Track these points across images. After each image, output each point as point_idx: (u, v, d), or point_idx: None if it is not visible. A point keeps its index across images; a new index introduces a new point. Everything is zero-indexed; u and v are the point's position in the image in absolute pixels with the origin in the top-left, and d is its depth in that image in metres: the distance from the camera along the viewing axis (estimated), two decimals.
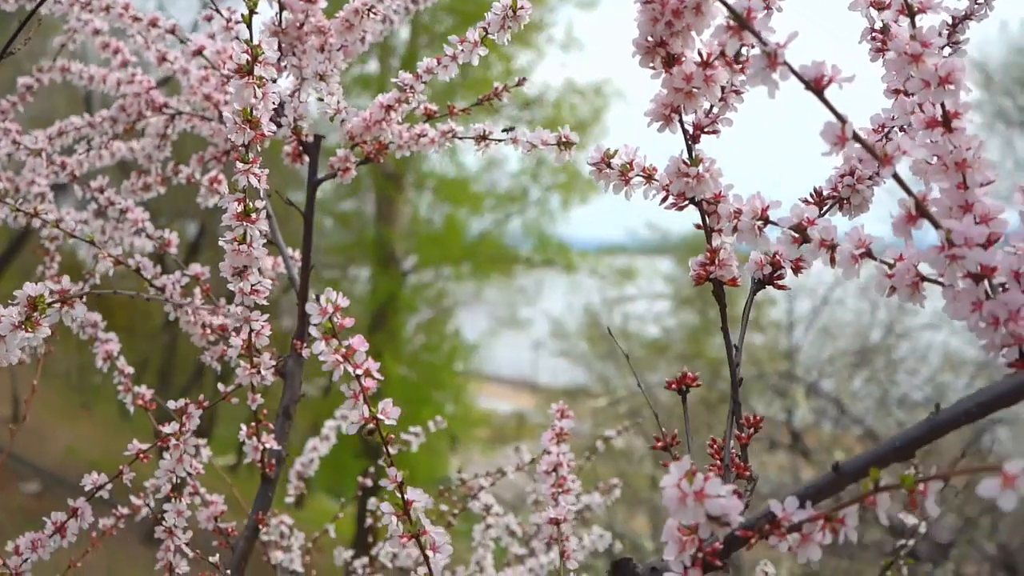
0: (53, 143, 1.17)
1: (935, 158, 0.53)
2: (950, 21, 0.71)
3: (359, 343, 0.62)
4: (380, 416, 0.62)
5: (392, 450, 0.64)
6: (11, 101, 1.31)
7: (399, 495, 0.64)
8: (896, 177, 0.51)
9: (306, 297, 1.00)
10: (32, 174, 1.23)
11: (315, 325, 0.60)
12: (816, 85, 0.50)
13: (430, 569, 0.64)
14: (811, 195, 0.69)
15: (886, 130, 0.68)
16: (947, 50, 0.70)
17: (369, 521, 1.41)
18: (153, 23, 1.09)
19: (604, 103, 12.57)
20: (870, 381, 6.55)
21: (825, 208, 0.68)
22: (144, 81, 1.18)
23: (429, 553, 0.64)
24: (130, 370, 1.09)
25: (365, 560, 1.35)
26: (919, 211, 0.51)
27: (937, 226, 0.51)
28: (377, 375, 0.62)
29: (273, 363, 0.89)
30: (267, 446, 0.96)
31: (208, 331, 1.01)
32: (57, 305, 0.66)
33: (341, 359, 0.61)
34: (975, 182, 0.53)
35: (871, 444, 7.00)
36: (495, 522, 1.30)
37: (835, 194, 0.68)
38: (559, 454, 0.96)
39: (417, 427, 1.39)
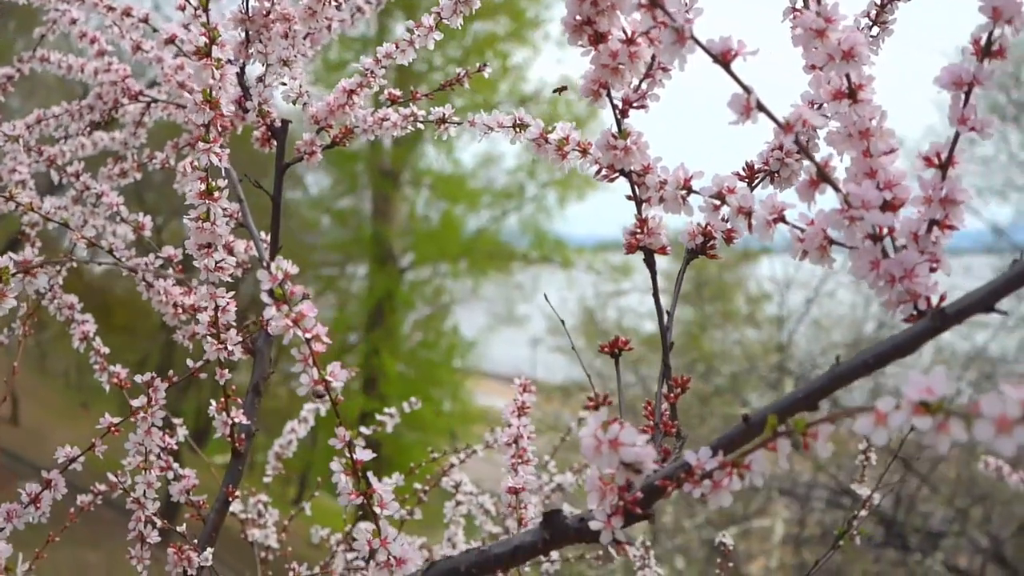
0: (31, 131, 1.20)
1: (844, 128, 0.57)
2: (879, 2, 0.74)
3: (308, 309, 0.65)
4: (329, 378, 0.66)
5: (337, 411, 0.67)
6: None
7: (348, 454, 0.67)
8: (799, 144, 0.54)
9: None
10: (13, 162, 1.26)
11: (266, 291, 0.63)
12: (723, 59, 0.53)
13: (378, 526, 0.67)
14: (743, 168, 0.72)
15: (815, 106, 0.71)
16: (875, 29, 0.74)
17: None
18: (127, 12, 1.12)
19: (592, 109, 12.49)
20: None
21: (757, 180, 0.71)
22: (120, 69, 1.21)
23: (377, 509, 0.67)
24: (106, 350, 1.12)
25: (339, 536, 1.39)
26: (821, 176, 0.54)
27: (837, 190, 0.54)
28: (326, 339, 0.65)
29: (240, 339, 0.93)
30: (236, 421, 0.99)
31: (179, 310, 1.04)
32: (20, 275, 0.69)
33: (291, 323, 0.64)
34: (879, 150, 0.56)
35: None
36: (465, 499, 1.33)
37: (766, 167, 0.71)
38: (519, 427, 0.99)
39: (392, 408, 1.42)
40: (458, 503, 1.32)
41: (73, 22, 1.22)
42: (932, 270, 0.54)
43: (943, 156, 0.55)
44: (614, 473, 0.55)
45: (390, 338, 11.77)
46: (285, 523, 1.34)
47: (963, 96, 0.54)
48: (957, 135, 0.55)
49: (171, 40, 1.09)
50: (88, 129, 1.22)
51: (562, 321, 1.02)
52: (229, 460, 1.03)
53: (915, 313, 0.53)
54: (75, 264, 0.96)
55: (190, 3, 0.82)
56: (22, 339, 1.23)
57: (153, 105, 1.22)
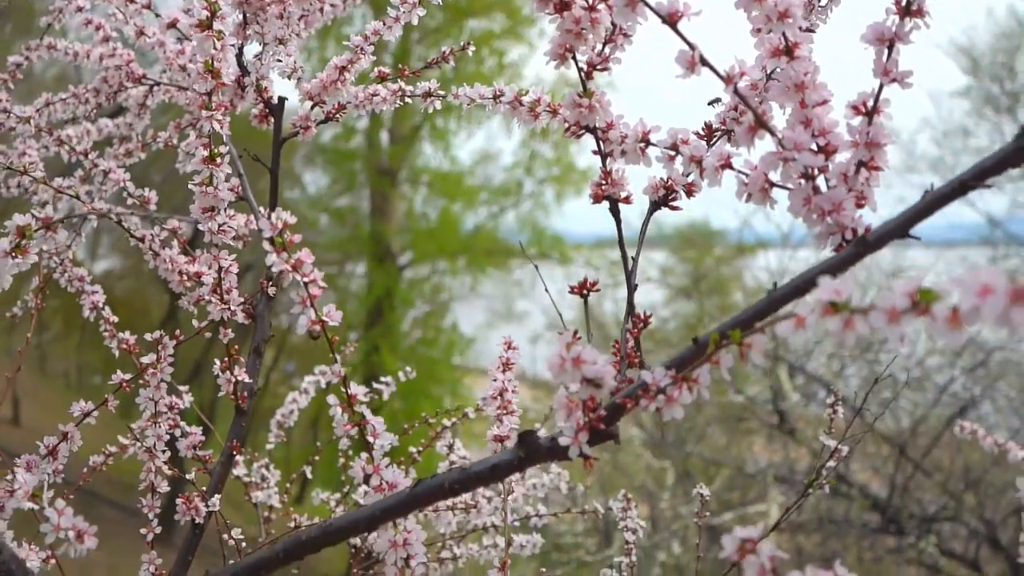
0: (40, 113, 1.26)
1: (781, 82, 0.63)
2: None
3: (306, 256, 0.72)
4: (325, 318, 0.72)
5: (335, 351, 0.74)
6: (2, 78, 1.41)
7: (343, 389, 0.74)
8: (738, 94, 0.61)
9: None
10: (23, 145, 1.33)
11: (267, 239, 0.70)
12: (671, 19, 0.60)
13: (371, 455, 0.74)
14: (702, 128, 0.78)
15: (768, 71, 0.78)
16: (823, 1, 0.80)
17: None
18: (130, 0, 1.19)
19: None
20: (856, 361, 6.67)
21: (715, 139, 0.78)
22: (124, 54, 1.27)
23: (370, 439, 0.74)
24: (115, 319, 1.19)
25: (338, 496, 1.45)
26: (759, 123, 0.61)
27: (773, 135, 0.61)
28: (322, 284, 0.72)
29: (241, 299, 0.99)
30: (239, 379, 1.06)
31: (185, 278, 1.11)
32: (42, 231, 0.76)
33: (291, 269, 0.71)
34: (813, 101, 0.62)
35: (857, 422, 7.11)
36: (459, 461, 1.40)
37: (723, 127, 0.78)
38: (504, 381, 1.06)
39: (388, 377, 1.49)
40: (451, 464, 1.39)
41: (79, 10, 1.29)
42: (859, 206, 0.61)
43: (869, 105, 0.61)
44: (579, 391, 0.61)
45: (389, 336, 11.82)
46: (287, 485, 1.41)
47: (886, 51, 0.61)
48: (881, 85, 0.61)
49: (173, 24, 1.16)
50: (94, 112, 1.28)
51: (560, 315, 1.09)
52: (233, 417, 1.09)
53: (842, 243, 0.60)
54: (93, 220, 1.02)
55: None
56: (34, 311, 1.29)
57: (156, 88, 1.29)
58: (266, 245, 0.71)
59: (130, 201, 1.12)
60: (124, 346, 1.14)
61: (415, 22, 0.98)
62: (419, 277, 13.93)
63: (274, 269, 0.70)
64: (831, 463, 1.16)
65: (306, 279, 0.71)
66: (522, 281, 13.57)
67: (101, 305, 1.20)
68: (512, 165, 13.75)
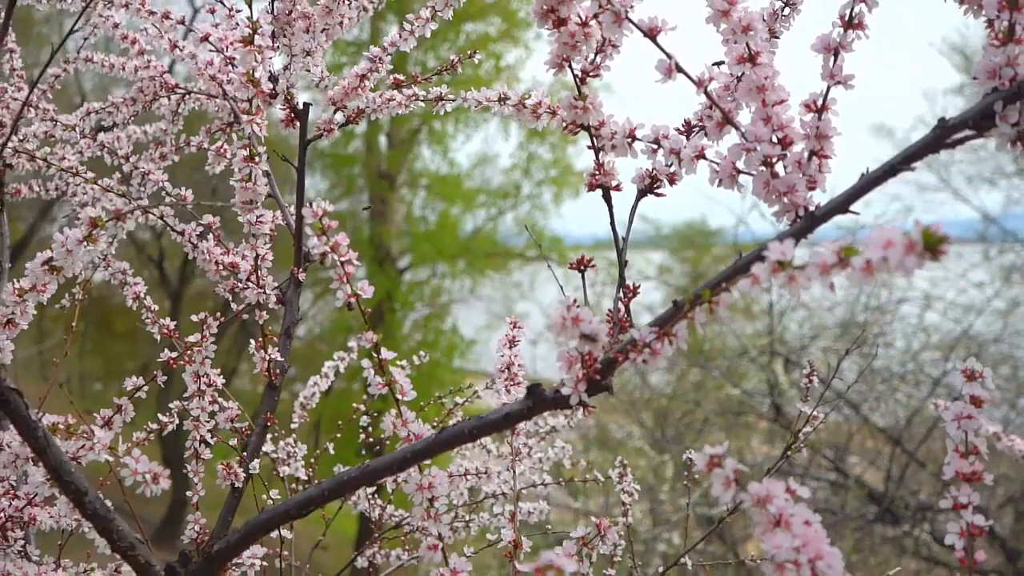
0: (84, 121, 1.38)
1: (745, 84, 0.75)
2: None
3: (343, 238, 0.83)
4: (359, 292, 0.84)
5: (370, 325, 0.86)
6: (42, 89, 1.53)
7: (375, 355, 0.86)
8: (707, 95, 0.73)
9: (301, 236, 1.22)
10: (62, 150, 1.44)
11: (309, 224, 0.82)
12: (651, 33, 0.72)
13: (399, 410, 0.86)
14: (682, 124, 0.90)
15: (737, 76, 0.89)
16: (787, 10, 0.92)
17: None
18: (166, 16, 1.30)
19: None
20: (851, 355, 6.78)
21: (693, 133, 0.90)
22: (158, 66, 1.39)
23: (399, 396, 0.85)
24: (155, 307, 1.31)
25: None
26: (725, 120, 0.73)
27: (738, 129, 0.72)
28: (356, 262, 0.83)
29: (276, 284, 1.11)
30: (272, 358, 1.17)
31: (220, 267, 1.22)
32: (113, 221, 0.87)
33: (330, 250, 0.82)
34: (772, 100, 0.74)
35: (855, 416, 7.25)
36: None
37: (700, 123, 0.89)
38: (511, 356, 1.18)
39: (404, 362, 1.59)
40: None
41: (116, 26, 1.41)
42: (811, 188, 0.72)
43: (819, 104, 0.73)
44: (578, 346, 0.73)
45: (390, 338, 11.91)
46: (312, 460, 1.52)
47: (832, 57, 0.73)
48: (828, 87, 0.73)
49: (205, 39, 1.28)
50: (131, 120, 1.40)
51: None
52: (265, 391, 1.21)
53: (796, 218, 0.71)
54: (146, 214, 1.13)
55: (223, 3, 1.00)
56: (78, 303, 1.41)
57: (187, 96, 1.41)
58: (308, 230, 0.82)
59: (168, 200, 1.24)
60: (164, 331, 1.26)
61: (428, 35, 1.10)
62: (419, 280, 14.04)
63: (315, 251, 0.82)
64: (807, 428, 1.27)
65: (342, 259, 0.83)
66: (521, 283, 13.69)
67: (143, 295, 1.32)
68: (510, 167, 13.85)
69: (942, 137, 0.66)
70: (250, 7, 0.96)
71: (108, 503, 0.83)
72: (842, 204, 0.68)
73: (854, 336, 7.10)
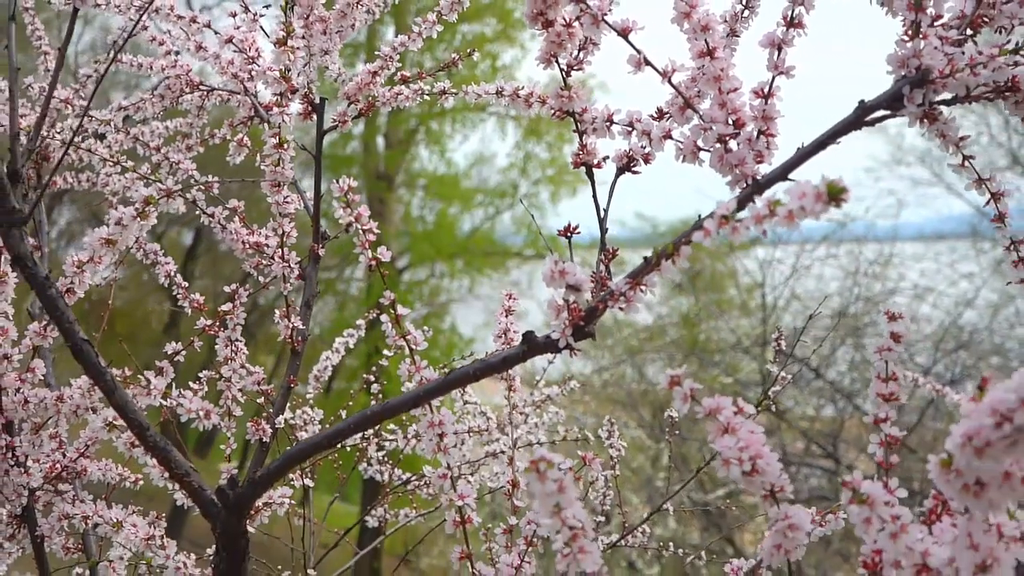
0: (116, 115, 1.52)
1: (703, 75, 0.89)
2: None
3: (364, 210, 0.97)
4: (379, 256, 0.98)
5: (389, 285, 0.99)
6: (73, 88, 1.66)
7: (392, 311, 0.99)
8: (671, 84, 0.86)
9: (319, 218, 1.35)
10: (96, 144, 1.58)
11: (336, 198, 0.95)
12: (624, 32, 0.85)
13: (413, 358, 0.99)
14: (656, 110, 1.04)
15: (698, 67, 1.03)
16: (746, 12, 1.05)
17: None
18: (193, 20, 1.44)
19: (588, 95, 12.81)
20: (844, 345, 6.95)
21: (664, 118, 1.03)
22: (184, 65, 1.52)
23: (413, 346, 0.99)
24: (185, 284, 1.44)
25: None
26: (687, 105, 0.87)
27: (696, 112, 0.86)
28: (376, 231, 0.97)
29: (299, 259, 1.25)
30: (295, 326, 1.31)
31: (246, 246, 1.36)
32: (164, 199, 1.01)
33: (354, 220, 0.96)
34: (727, 88, 0.88)
35: (845, 403, 7.41)
36: (471, 407, 1.66)
37: (669, 110, 1.03)
38: (507, 324, 1.32)
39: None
40: (466, 403, 1.64)
41: (145, 28, 1.54)
42: (759, 162, 0.86)
43: (765, 91, 0.87)
44: (564, 295, 0.87)
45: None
46: (327, 424, 1.66)
47: (776, 51, 0.87)
48: (773, 77, 0.87)
49: (229, 40, 1.41)
50: (160, 114, 1.54)
51: None
52: (289, 357, 1.34)
53: (745, 186, 0.85)
54: (186, 197, 1.26)
55: (247, 7, 1.13)
56: (113, 282, 1.55)
57: (211, 93, 1.54)
58: (335, 203, 0.96)
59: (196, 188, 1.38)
60: (195, 305, 1.40)
61: (434, 35, 1.24)
62: (417, 280, 14.16)
63: (343, 220, 0.96)
64: (776, 387, 1.41)
65: (364, 227, 0.97)
66: (519, 282, 13.82)
67: (173, 273, 1.45)
68: (507, 167, 13.97)
69: (862, 116, 0.79)
70: (285, 10, 1.10)
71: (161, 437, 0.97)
72: (780, 174, 0.82)
73: (847, 326, 7.26)
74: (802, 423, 6.87)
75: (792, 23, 0.87)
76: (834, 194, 0.63)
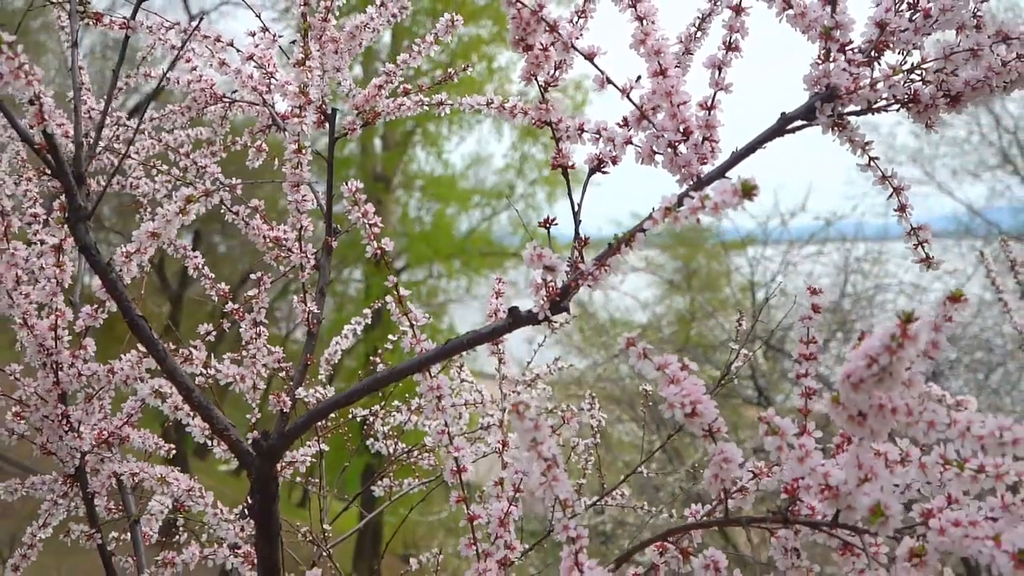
0: (148, 125, 1.69)
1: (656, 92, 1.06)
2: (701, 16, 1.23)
3: (371, 208, 1.15)
4: (383, 246, 1.15)
5: (390, 274, 1.17)
6: (104, 98, 1.83)
7: (396, 292, 1.17)
8: (629, 99, 1.04)
9: (331, 216, 1.53)
10: (127, 148, 1.75)
11: (346, 197, 1.13)
12: (589, 56, 1.03)
13: (414, 333, 1.17)
14: (622, 119, 1.21)
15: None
16: (699, 33, 1.23)
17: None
18: (217, 39, 1.61)
19: (584, 97, 13.06)
20: (831, 340, 7.14)
21: (631, 127, 1.21)
22: (208, 79, 1.70)
23: (413, 321, 1.17)
24: (212, 276, 1.62)
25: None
26: (642, 116, 1.04)
27: (651, 123, 1.04)
28: (380, 224, 1.15)
29: (315, 250, 1.42)
30: (311, 310, 1.48)
31: (266, 240, 1.53)
32: (203, 197, 1.18)
33: (362, 216, 1.14)
34: (677, 101, 1.05)
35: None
36: (468, 386, 1.83)
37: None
38: (498, 304, 1.49)
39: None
40: (463, 382, 1.81)
41: (173, 47, 1.72)
42: (703, 163, 1.04)
43: (709, 104, 1.05)
44: (542, 275, 1.04)
45: (388, 339, 12.15)
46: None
47: (717, 71, 1.04)
48: (715, 92, 1.04)
49: (250, 57, 1.59)
50: (189, 123, 1.71)
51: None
52: (306, 338, 1.52)
53: (692, 183, 1.03)
54: (212, 195, 1.43)
55: (266, 28, 1.31)
56: (143, 276, 1.72)
57: (232, 105, 1.72)
58: (345, 201, 1.14)
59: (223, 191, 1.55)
60: (221, 293, 1.57)
61: (432, 54, 1.41)
62: (415, 280, 14.32)
63: (352, 217, 1.13)
64: (737, 363, 1.59)
65: (370, 221, 1.14)
66: (516, 282, 13.96)
67: (201, 266, 1.63)
68: (503, 167, 14.13)
69: (783, 125, 0.97)
70: (304, 38, 1.28)
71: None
72: (718, 173, 1.00)
73: (837, 321, 7.45)
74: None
75: (730, 47, 1.04)
76: (747, 191, 0.80)
